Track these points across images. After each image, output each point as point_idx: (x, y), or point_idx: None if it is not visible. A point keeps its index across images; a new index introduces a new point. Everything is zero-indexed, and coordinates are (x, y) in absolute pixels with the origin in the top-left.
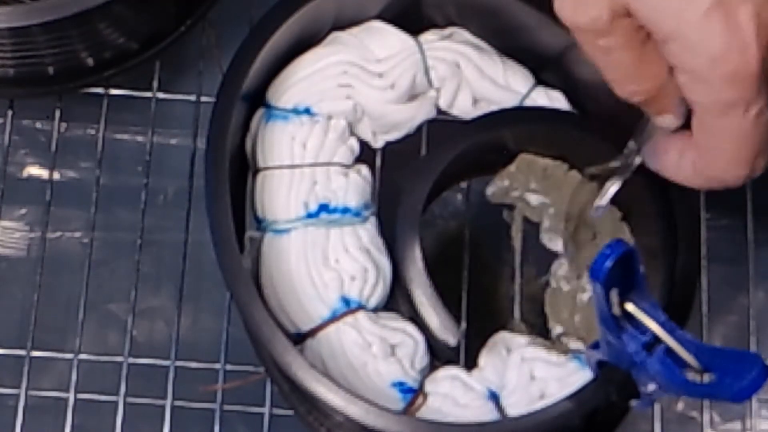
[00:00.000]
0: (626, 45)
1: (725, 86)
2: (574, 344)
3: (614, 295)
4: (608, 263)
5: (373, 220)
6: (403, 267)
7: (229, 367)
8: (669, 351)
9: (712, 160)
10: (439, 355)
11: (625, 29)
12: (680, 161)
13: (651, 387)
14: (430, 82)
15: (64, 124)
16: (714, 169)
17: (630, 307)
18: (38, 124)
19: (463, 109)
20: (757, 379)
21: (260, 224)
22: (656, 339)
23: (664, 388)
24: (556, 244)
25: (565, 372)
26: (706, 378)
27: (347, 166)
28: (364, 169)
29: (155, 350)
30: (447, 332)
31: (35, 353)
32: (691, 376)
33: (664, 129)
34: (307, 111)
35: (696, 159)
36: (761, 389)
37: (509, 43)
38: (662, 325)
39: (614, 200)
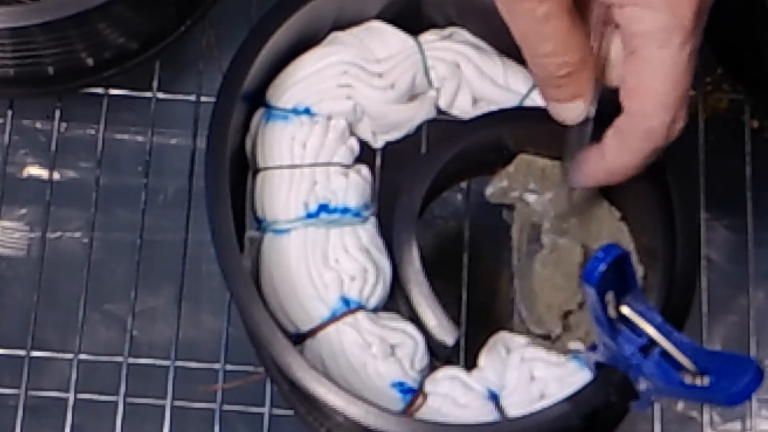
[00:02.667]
0: (562, 10)
1: (668, 10)
2: (574, 344)
3: (610, 298)
4: (602, 267)
5: (373, 220)
6: (401, 267)
7: (229, 367)
8: (665, 354)
9: (642, 104)
10: (438, 355)
11: None
12: (603, 150)
13: (644, 386)
14: (430, 82)
15: (64, 124)
16: (642, 118)
17: (625, 310)
18: (38, 124)
19: (463, 109)
20: (751, 383)
21: (260, 224)
22: (652, 342)
23: (660, 391)
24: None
25: (565, 372)
26: (702, 381)
27: (347, 166)
28: (364, 169)
29: (155, 350)
30: (444, 332)
31: (35, 353)
32: (688, 378)
33: (573, 126)
34: (307, 111)
35: (620, 123)
36: (761, 390)
37: (509, 43)
38: (658, 327)
39: (614, 200)
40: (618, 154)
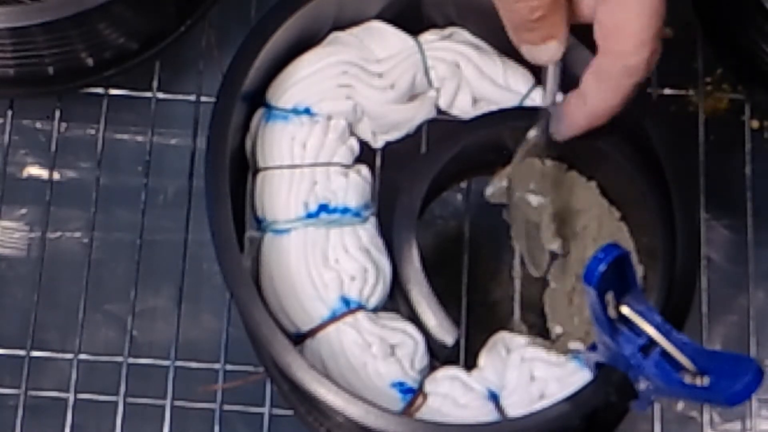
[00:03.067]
0: None
1: None
2: (574, 344)
3: (610, 298)
4: (601, 267)
5: (372, 220)
6: (401, 266)
7: (229, 367)
8: (665, 354)
9: (621, 43)
10: (437, 355)
11: None
12: (584, 95)
13: (644, 385)
14: (430, 82)
15: (64, 124)
16: (622, 57)
17: (625, 310)
18: (38, 124)
19: (463, 109)
20: (751, 383)
21: (260, 224)
22: (652, 342)
23: (660, 391)
24: (556, 244)
25: (565, 372)
26: (702, 381)
27: (347, 166)
28: (364, 169)
29: (155, 350)
30: (444, 332)
31: (35, 353)
32: (688, 378)
33: (548, 67)
34: (307, 111)
35: (599, 65)
36: (761, 390)
37: (509, 43)
38: (658, 327)
39: (614, 200)
40: (599, 95)
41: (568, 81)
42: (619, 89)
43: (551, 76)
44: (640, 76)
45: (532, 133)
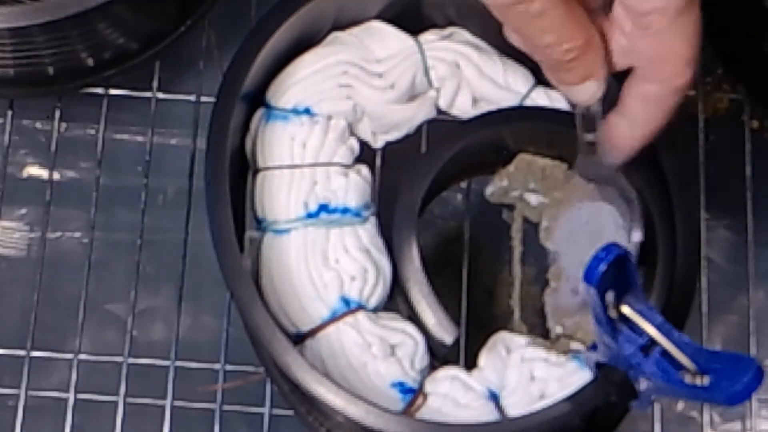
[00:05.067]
0: (556, 1)
1: None
2: (574, 344)
3: (610, 297)
4: (602, 267)
5: (373, 220)
6: (401, 266)
7: (229, 367)
8: (665, 353)
9: (668, 69)
10: (436, 355)
11: None
12: (632, 121)
13: (644, 385)
14: (430, 82)
15: (64, 124)
16: (670, 81)
17: (626, 309)
18: (38, 124)
19: (463, 109)
20: (752, 383)
21: (260, 224)
22: (652, 341)
23: (660, 391)
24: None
25: (565, 372)
26: (702, 380)
27: (347, 166)
28: (364, 169)
29: (155, 350)
30: (444, 331)
31: (35, 353)
32: (688, 378)
33: (588, 108)
34: (307, 111)
35: (645, 91)
36: (761, 390)
37: (509, 43)
38: (658, 327)
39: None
40: (648, 118)
41: None
42: (668, 108)
43: (596, 113)
44: (686, 91)
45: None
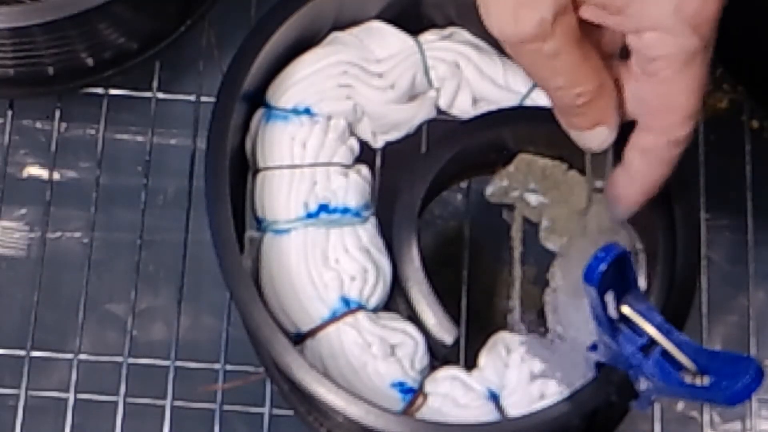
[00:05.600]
0: (570, 43)
1: (689, 30)
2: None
3: (610, 297)
4: (602, 267)
5: (373, 220)
6: (401, 265)
7: (229, 367)
8: (665, 353)
9: (669, 120)
10: (436, 355)
11: (567, 26)
12: (632, 175)
13: (644, 385)
14: (430, 82)
15: (64, 124)
16: (670, 132)
17: (626, 309)
18: (38, 124)
19: (463, 109)
20: (752, 383)
21: (260, 224)
22: (652, 341)
23: (660, 391)
24: (556, 244)
25: None
26: (702, 381)
27: (347, 166)
28: (364, 169)
29: (155, 350)
30: (444, 331)
31: (35, 353)
32: (688, 378)
33: (598, 155)
34: (307, 111)
35: (644, 143)
36: (761, 390)
37: None
38: (658, 327)
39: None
40: (648, 170)
41: None
42: (667, 160)
43: (607, 160)
44: (686, 144)
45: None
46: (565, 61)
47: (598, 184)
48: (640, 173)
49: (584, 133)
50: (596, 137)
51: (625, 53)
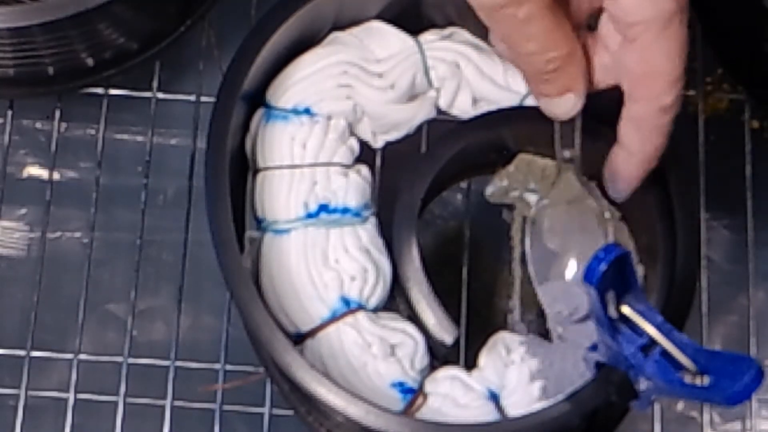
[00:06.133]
0: (543, 9)
1: None
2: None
3: (610, 297)
4: (602, 267)
5: (373, 220)
6: (401, 265)
7: (229, 367)
8: (665, 353)
9: (654, 87)
10: (436, 355)
11: None
12: (626, 147)
13: (644, 385)
14: (430, 82)
15: (64, 124)
16: (656, 99)
17: (626, 309)
18: (38, 124)
19: (463, 109)
20: (752, 383)
21: (260, 224)
22: (652, 341)
23: (660, 391)
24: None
25: None
26: (702, 381)
27: (347, 167)
28: (364, 169)
29: (155, 350)
30: (444, 331)
31: (35, 353)
32: (688, 378)
33: (565, 123)
34: (307, 111)
35: (632, 113)
36: (761, 390)
37: None
38: (658, 327)
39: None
40: (642, 141)
41: None
42: (659, 129)
43: (576, 129)
44: (676, 110)
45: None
46: (538, 27)
47: (566, 154)
48: (636, 146)
49: (553, 100)
50: (564, 104)
51: (594, 24)
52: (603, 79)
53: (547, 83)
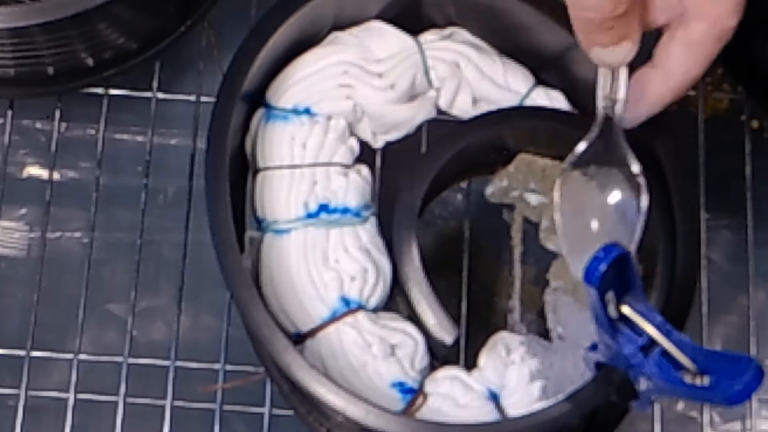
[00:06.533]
0: None
1: None
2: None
3: (610, 297)
4: (602, 267)
5: (373, 220)
6: (401, 266)
7: (229, 367)
8: (665, 353)
9: (718, 10)
10: (437, 355)
11: None
12: (669, 71)
13: (644, 385)
14: (430, 82)
15: (64, 124)
16: (719, 23)
17: (626, 309)
18: (38, 124)
19: (463, 109)
20: (752, 383)
21: (260, 224)
22: (652, 341)
23: (660, 391)
24: (556, 244)
25: None
26: (702, 381)
27: (347, 167)
28: (364, 169)
29: (155, 350)
30: (443, 331)
31: (35, 353)
32: (688, 378)
33: (620, 68)
34: (307, 111)
35: (692, 37)
36: (761, 390)
37: (509, 43)
38: (658, 327)
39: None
40: (687, 65)
41: (570, 83)
42: (708, 56)
43: (623, 79)
44: (727, 40)
45: (582, 146)
46: None
47: (607, 103)
48: (679, 69)
49: (607, 49)
50: (620, 52)
51: None
52: (661, 17)
53: (608, 31)
